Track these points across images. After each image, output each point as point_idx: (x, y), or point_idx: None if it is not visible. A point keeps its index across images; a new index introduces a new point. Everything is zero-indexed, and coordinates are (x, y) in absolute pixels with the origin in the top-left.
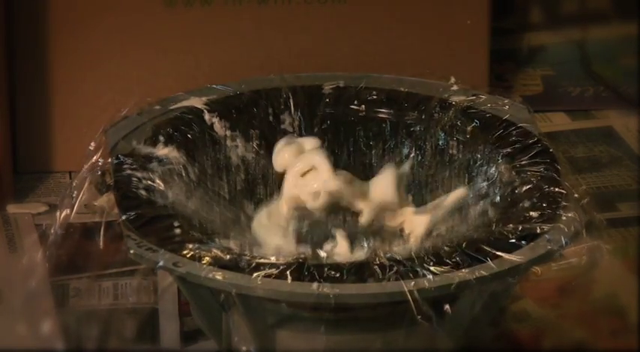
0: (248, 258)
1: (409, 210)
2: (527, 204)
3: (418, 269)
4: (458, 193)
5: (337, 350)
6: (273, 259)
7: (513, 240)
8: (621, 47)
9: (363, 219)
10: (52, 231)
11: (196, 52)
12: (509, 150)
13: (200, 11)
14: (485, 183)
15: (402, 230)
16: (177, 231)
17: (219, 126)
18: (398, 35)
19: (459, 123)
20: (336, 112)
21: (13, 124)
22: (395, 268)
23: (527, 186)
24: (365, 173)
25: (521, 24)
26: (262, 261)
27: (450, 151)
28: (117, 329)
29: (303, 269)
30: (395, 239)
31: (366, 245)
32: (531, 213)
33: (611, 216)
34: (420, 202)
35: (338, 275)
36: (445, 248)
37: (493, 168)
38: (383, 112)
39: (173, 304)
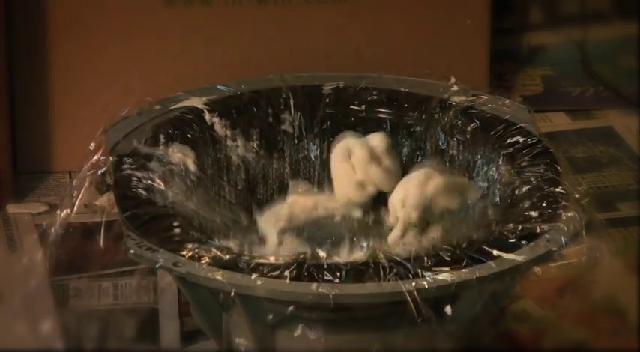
0: (247, 258)
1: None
2: (527, 204)
3: (418, 269)
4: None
5: (337, 350)
6: (272, 259)
7: (513, 240)
8: (621, 47)
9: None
10: (52, 231)
11: (196, 52)
12: (509, 150)
13: (200, 11)
14: (485, 184)
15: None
16: (177, 231)
17: (219, 126)
18: (398, 35)
19: (459, 123)
20: (336, 112)
21: (13, 124)
22: (394, 269)
23: (528, 187)
24: None
25: (521, 24)
26: (262, 261)
27: (450, 151)
28: (117, 329)
29: (302, 270)
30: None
31: (365, 245)
32: (531, 213)
33: (611, 216)
34: None
35: (337, 275)
36: (445, 248)
37: (493, 169)
38: (383, 112)
39: (173, 304)
